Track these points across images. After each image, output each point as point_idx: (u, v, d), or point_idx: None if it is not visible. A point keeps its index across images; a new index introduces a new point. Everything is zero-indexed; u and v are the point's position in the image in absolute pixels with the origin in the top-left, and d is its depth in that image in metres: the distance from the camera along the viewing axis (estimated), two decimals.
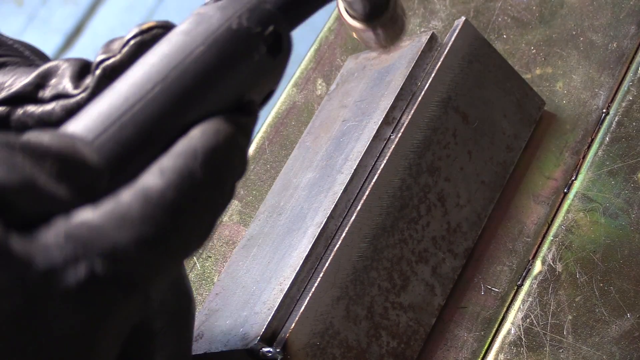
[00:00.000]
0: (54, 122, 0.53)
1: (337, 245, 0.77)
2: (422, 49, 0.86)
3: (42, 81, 0.55)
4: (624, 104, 0.89)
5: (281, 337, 0.74)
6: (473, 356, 0.80)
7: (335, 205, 0.79)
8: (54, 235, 0.38)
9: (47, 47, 2.32)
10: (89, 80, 0.52)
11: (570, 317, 0.80)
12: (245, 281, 0.82)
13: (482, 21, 0.97)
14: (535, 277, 0.82)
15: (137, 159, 0.43)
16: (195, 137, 0.44)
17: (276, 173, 0.93)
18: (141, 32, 0.51)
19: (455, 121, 0.84)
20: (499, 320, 0.81)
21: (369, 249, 0.78)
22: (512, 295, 0.82)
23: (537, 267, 0.83)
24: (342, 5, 0.62)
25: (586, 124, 0.89)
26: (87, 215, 0.39)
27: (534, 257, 0.84)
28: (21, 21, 2.38)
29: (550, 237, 0.84)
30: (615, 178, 0.85)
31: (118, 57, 0.51)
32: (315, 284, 0.76)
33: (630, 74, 0.90)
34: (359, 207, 0.79)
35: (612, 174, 0.85)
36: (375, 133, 0.82)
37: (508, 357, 0.79)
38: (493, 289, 0.83)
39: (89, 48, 2.32)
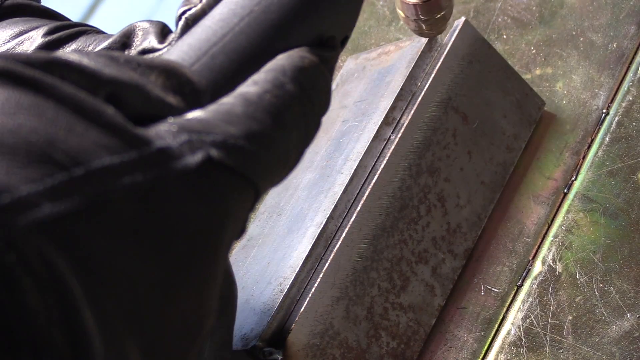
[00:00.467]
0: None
1: (337, 246, 0.77)
2: (421, 49, 0.86)
3: (127, 40, 0.56)
4: (624, 104, 0.89)
5: (281, 337, 0.74)
6: (473, 356, 0.80)
7: (335, 206, 0.79)
8: (168, 126, 0.39)
9: None
10: (173, 35, 0.54)
11: (570, 317, 0.80)
12: (245, 282, 0.82)
13: (482, 21, 0.97)
14: (535, 278, 0.82)
15: (230, 83, 0.45)
16: (283, 58, 0.46)
17: None
18: None
19: (455, 121, 0.84)
20: (499, 320, 0.81)
21: (368, 250, 0.78)
22: (512, 295, 0.82)
23: (537, 267, 0.83)
24: None
25: (586, 124, 0.89)
26: (196, 113, 0.41)
27: (534, 257, 0.84)
28: None
29: (550, 238, 0.84)
30: (615, 178, 0.85)
31: (200, 6, 0.53)
32: (315, 285, 0.76)
33: (630, 74, 0.90)
34: (358, 208, 0.79)
35: (612, 174, 0.85)
36: (375, 133, 0.82)
37: (508, 358, 0.79)
38: (493, 289, 0.83)
39: None
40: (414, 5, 0.66)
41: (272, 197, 0.89)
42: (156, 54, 0.55)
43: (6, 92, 0.34)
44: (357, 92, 0.90)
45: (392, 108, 0.83)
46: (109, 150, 0.36)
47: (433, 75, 0.84)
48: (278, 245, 0.82)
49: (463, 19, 0.86)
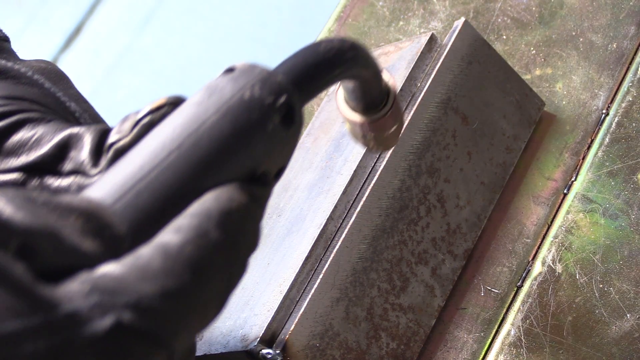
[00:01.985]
0: None
1: (337, 247, 0.77)
2: (421, 49, 0.86)
3: (61, 152, 0.55)
4: (623, 105, 0.89)
5: (281, 338, 0.74)
6: (473, 357, 0.80)
7: (335, 207, 0.79)
8: (79, 285, 0.38)
9: (47, 47, 2.32)
10: (104, 162, 0.52)
11: (570, 318, 0.80)
12: (245, 282, 0.82)
13: (482, 22, 0.97)
14: (535, 278, 0.82)
15: (155, 223, 0.43)
16: (209, 200, 0.44)
17: None
18: (151, 112, 0.51)
19: (455, 122, 0.84)
20: (499, 321, 0.81)
21: (368, 251, 0.78)
22: (511, 296, 0.82)
23: (537, 268, 0.83)
24: (341, 94, 0.63)
25: (586, 124, 0.89)
26: (110, 267, 0.39)
27: (534, 258, 0.84)
28: (21, 21, 2.38)
29: (550, 238, 0.84)
30: (615, 179, 0.85)
31: (129, 138, 0.51)
32: (315, 286, 0.76)
33: (630, 75, 0.90)
34: (358, 209, 0.79)
35: (612, 175, 0.85)
36: None
37: (508, 358, 0.79)
38: (493, 290, 0.83)
39: (89, 48, 2.32)
40: (360, 123, 0.63)
41: (272, 198, 0.88)
42: (88, 181, 0.53)
43: None
44: None
45: None
46: (13, 314, 0.34)
47: (433, 75, 0.84)
48: (278, 246, 0.82)
49: (463, 19, 0.86)
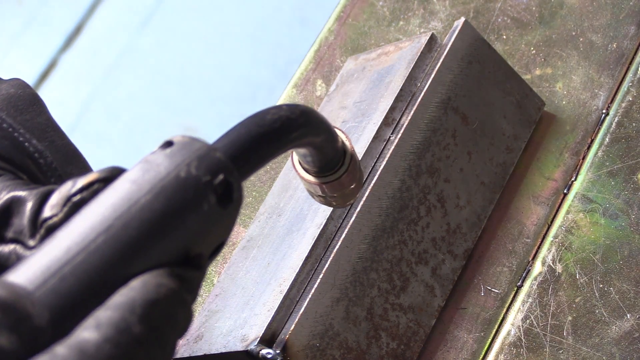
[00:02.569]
0: (9, 265, 0.52)
1: (337, 247, 0.77)
2: (421, 49, 0.86)
3: (2, 218, 0.53)
4: (623, 105, 0.89)
5: (281, 338, 0.74)
6: (473, 357, 0.80)
7: None
8: None
9: (47, 47, 2.32)
10: (38, 237, 0.51)
11: (570, 318, 0.80)
12: (245, 282, 0.82)
13: (482, 22, 0.97)
14: (535, 278, 0.82)
15: (80, 310, 0.42)
16: (135, 289, 0.42)
17: (276, 174, 0.93)
18: (82, 189, 0.49)
19: (455, 122, 0.84)
20: (499, 321, 0.81)
21: (368, 250, 0.78)
22: (512, 296, 0.82)
23: (537, 268, 0.83)
24: (296, 157, 0.62)
25: (586, 124, 0.89)
26: None
27: (534, 258, 0.84)
28: (21, 21, 2.37)
29: (550, 238, 0.84)
30: (615, 179, 0.85)
31: (59, 216, 0.50)
32: (315, 286, 0.76)
33: (630, 75, 0.90)
34: (358, 209, 0.79)
35: (612, 175, 0.85)
36: (375, 134, 0.82)
37: (508, 358, 0.79)
38: (493, 290, 0.83)
39: (89, 48, 2.32)
40: (317, 184, 0.62)
41: (272, 198, 0.89)
42: (25, 252, 0.51)
43: None
44: (356, 92, 0.90)
45: (392, 109, 0.83)
46: None
47: (433, 75, 0.84)
48: (278, 246, 0.82)
49: (463, 19, 0.86)
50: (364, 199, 0.79)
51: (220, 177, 0.46)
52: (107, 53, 2.32)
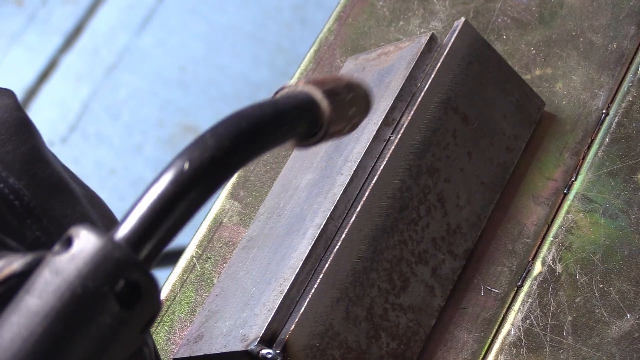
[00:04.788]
0: None
1: (337, 247, 0.77)
2: (421, 49, 0.86)
3: None
4: (623, 105, 0.89)
5: (281, 338, 0.74)
6: (473, 357, 0.80)
7: (335, 207, 0.79)
8: None
9: (47, 47, 2.32)
10: None
11: (570, 318, 0.80)
12: (245, 282, 0.82)
13: (482, 22, 0.97)
14: (535, 278, 0.82)
15: None
16: None
17: (276, 174, 0.93)
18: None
19: (455, 122, 0.84)
20: (499, 321, 0.81)
21: (368, 250, 0.78)
22: (512, 296, 0.82)
23: (537, 268, 0.83)
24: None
25: (586, 124, 0.89)
26: None
27: (534, 258, 0.84)
28: (21, 21, 2.37)
29: (550, 238, 0.84)
30: (615, 179, 0.85)
31: None
32: (315, 286, 0.76)
33: (630, 75, 0.90)
34: (358, 209, 0.79)
35: (612, 175, 0.85)
36: (375, 134, 0.82)
37: (508, 358, 0.79)
38: (493, 290, 0.83)
39: (89, 48, 2.32)
40: (304, 146, 0.56)
41: (272, 198, 0.89)
42: None
43: None
44: None
45: (392, 109, 0.83)
46: None
47: (433, 75, 0.84)
48: (278, 246, 0.82)
49: (463, 19, 0.86)
50: (364, 199, 0.79)
51: (122, 281, 0.44)
52: (107, 53, 2.32)
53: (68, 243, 0.44)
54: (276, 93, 0.55)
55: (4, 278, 0.49)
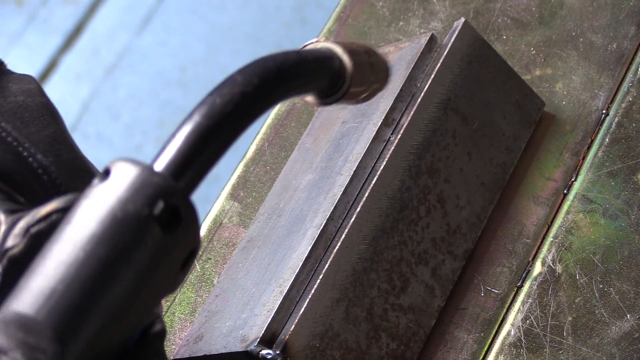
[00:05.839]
0: None
1: (337, 247, 0.77)
2: (421, 50, 0.86)
3: None
4: (623, 105, 0.89)
5: (281, 339, 0.74)
6: (473, 358, 0.80)
7: (335, 207, 0.79)
8: None
9: (47, 47, 2.32)
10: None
11: (570, 318, 0.80)
12: (245, 283, 0.82)
13: (482, 22, 0.97)
14: (535, 279, 0.82)
15: (78, 327, 0.42)
16: None
17: (276, 175, 0.93)
18: (39, 221, 0.50)
19: (455, 122, 0.84)
20: (499, 321, 0.81)
21: (368, 251, 0.78)
22: (511, 296, 0.82)
23: (537, 268, 0.83)
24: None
25: (586, 124, 0.89)
26: None
27: (534, 258, 0.84)
28: (21, 21, 2.37)
29: (550, 239, 0.84)
30: (615, 179, 0.85)
31: (19, 248, 0.50)
32: (315, 286, 0.76)
33: (630, 75, 0.90)
34: (358, 209, 0.79)
35: (612, 175, 0.85)
36: (375, 134, 0.82)
37: (508, 359, 0.79)
38: (493, 290, 0.83)
39: (89, 48, 2.32)
40: (323, 104, 0.59)
41: (272, 198, 0.88)
42: None
43: None
44: None
45: (392, 109, 0.83)
46: None
47: (432, 76, 0.84)
48: (278, 247, 0.81)
49: (463, 19, 0.86)
50: (363, 199, 0.79)
51: (161, 204, 0.44)
52: (107, 53, 2.32)
53: (106, 174, 0.45)
54: (301, 49, 0.57)
55: (46, 213, 0.49)
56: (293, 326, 0.74)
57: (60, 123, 0.65)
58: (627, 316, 0.79)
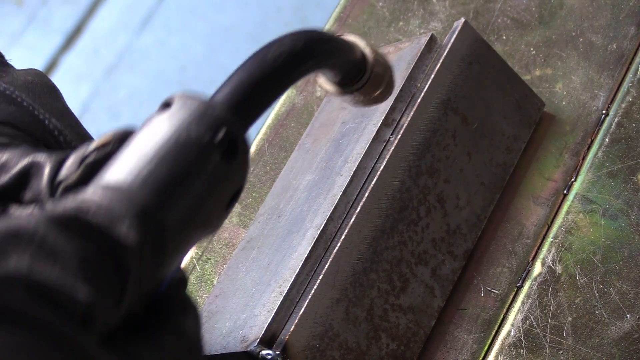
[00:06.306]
0: None
1: (337, 248, 0.77)
2: (421, 50, 0.86)
3: (23, 180, 0.55)
4: (623, 105, 0.89)
5: (281, 339, 0.74)
6: (473, 358, 0.80)
7: (335, 208, 0.79)
8: None
9: (47, 47, 2.32)
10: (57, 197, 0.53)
11: (570, 318, 0.80)
12: (245, 283, 0.82)
13: (482, 22, 0.97)
14: (535, 279, 0.82)
15: (171, 195, 0.45)
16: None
17: (276, 175, 0.93)
18: (96, 149, 0.51)
19: (455, 123, 0.84)
20: (499, 321, 0.81)
21: (368, 251, 0.78)
22: (511, 296, 0.82)
23: (537, 268, 0.83)
24: (321, 77, 0.62)
25: (586, 125, 0.89)
26: None
27: (534, 258, 0.84)
28: (21, 21, 2.38)
29: (550, 239, 0.84)
30: (614, 179, 0.85)
31: (74, 177, 0.52)
32: (315, 286, 0.76)
33: (629, 75, 0.90)
34: (358, 209, 0.79)
35: (612, 175, 0.85)
36: (375, 135, 0.82)
37: (508, 359, 0.79)
38: (493, 290, 0.83)
39: (89, 48, 2.32)
40: (340, 95, 0.64)
41: (272, 199, 0.88)
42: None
43: (4, 334, 0.36)
44: None
45: (392, 109, 0.83)
46: None
47: (432, 76, 0.84)
48: (278, 247, 0.81)
49: (462, 20, 0.86)
50: (363, 199, 0.79)
51: (221, 133, 0.46)
52: (107, 53, 2.32)
53: (167, 105, 0.47)
54: None
55: (101, 144, 0.51)
56: (293, 326, 0.74)
57: (65, 102, 0.67)
58: (627, 316, 0.79)
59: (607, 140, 0.87)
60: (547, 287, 0.81)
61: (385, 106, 0.84)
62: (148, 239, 0.43)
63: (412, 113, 0.82)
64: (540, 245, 0.84)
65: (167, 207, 0.44)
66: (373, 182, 0.80)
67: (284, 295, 0.76)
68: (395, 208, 0.80)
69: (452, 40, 0.85)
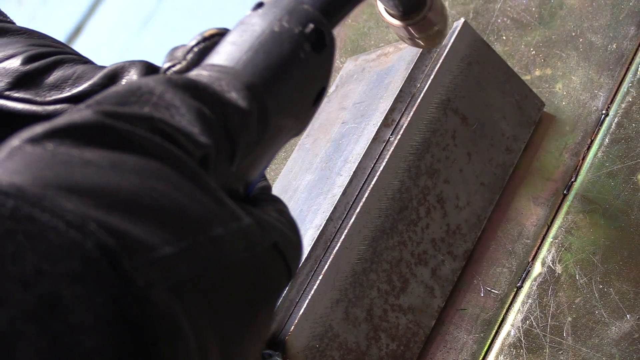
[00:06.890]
0: None
1: (336, 248, 0.77)
2: (421, 50, 0.86)
3: (108, 82, 0.57)
4: (623, 105, 0.89)
5: (280, 339, 0.74)
6: (473, 358, 0.80)
7: (334, 208, 0.79)
8: (242, 207, 0.44)
9: None
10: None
11: (569, 318, 0.80)
12: None
13: (482, 22, 0.97)
14: (535, 279, 0.82)
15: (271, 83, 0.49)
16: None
17: (275, 175, 0.93)
18: (203, 40, 0.53)
19: (455, 123, 0.84)
20: (499, 322, 0.81)
21: (368, 252, 0.78)
22: (511, 297, 0.82)
23: (537, 268, 0.83)
24: (380, 5, 0.68)
25: (586, 125, 0.89)
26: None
27: (534, 258, 0.84)
28: (21, 21, 2.38)
29: (549, 239, 0.84)
30: (614, 179, 0.85)
31: (184, 63, 0.54)
32: (315, 287, 0.76)
33: (629, 75, 0.90)
34: (358, 210, 0.79)
35: (612, 175, 0.85)
36: (375, 135, 0.82)
37: (508, 359, 0.79)
38: (492, 290, 0.83)
39: (89, 48, 2.32)
40: (404, 27, 0.69)
41: None
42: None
43: (135, 157, 0.38)
44: (356, 93, 0.90)
45: (392, 110, 0.83)
46: (219, 221, 0.39)
47: (432, 76, 0.84)
48: None
49: (462, 20, 0.86)
50: (363, 200, 0.79)
51: (311, 26, 0.50)
52: (107, 53, 2.32)
53: (260, 5, 0.51)
54: None
55: (209, 35, 0.54)
56: (293, 327, 0.74)
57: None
58: (627, 316, 0.79)
59: (607, 140, 0.87)
60: (547, 287, 0.81)
61: (384, 106, 0.84)
62: (254, 109, 0.46)
63: (411, 113, 0.82)
64: (540, 245, 0.84)
65: (268, 88, 0.48)
66: (373, 183, 0.80)
67: (283, 295, 0.76)
68: (395, 208, 0.80)
69: (451, 40, 0.85)
